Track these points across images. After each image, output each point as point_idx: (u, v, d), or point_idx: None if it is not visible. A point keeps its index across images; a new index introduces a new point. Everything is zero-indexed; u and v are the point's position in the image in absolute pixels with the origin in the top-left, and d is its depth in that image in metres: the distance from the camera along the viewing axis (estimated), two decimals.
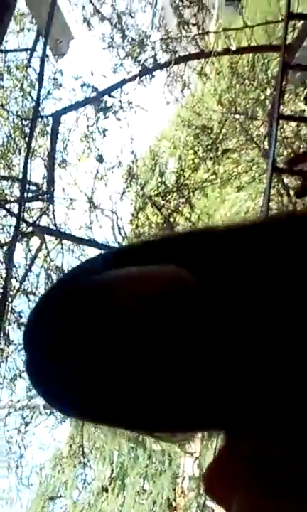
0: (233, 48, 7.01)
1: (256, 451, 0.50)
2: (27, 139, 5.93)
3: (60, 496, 9.84)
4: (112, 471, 9.74)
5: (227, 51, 6.93)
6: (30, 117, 6.11)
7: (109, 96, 6.80)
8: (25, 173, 5.54)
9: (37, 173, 6.43)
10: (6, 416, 8.26)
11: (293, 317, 0.50)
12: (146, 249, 0.60)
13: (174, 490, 9.58)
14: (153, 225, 7.22)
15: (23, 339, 0.59)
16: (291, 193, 8.18)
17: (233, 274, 0.53)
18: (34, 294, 6.19)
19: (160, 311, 0.51)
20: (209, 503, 8.65)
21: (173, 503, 9.70)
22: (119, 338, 0.52)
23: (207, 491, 0.53)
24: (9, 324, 5.91)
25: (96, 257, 0.65)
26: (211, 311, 0.52)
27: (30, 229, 6.13)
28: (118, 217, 7.58)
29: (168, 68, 7.19)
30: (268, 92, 8.08)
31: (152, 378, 0.52)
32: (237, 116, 8.25)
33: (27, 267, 6.22)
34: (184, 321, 0.51)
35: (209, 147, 8.10)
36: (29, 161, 5.74)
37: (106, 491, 9.56)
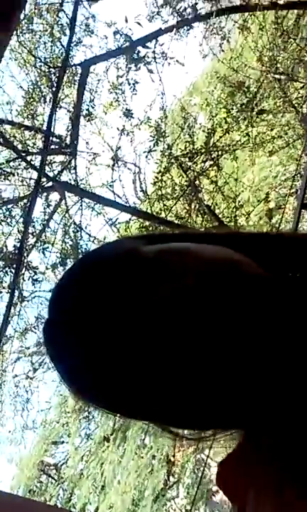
0: (281, 1, 6.48)
1: (275, 451, 0.49)
2: (54, 89, 5.61)
3: (63, 442, 10.13)
4: (115, 422, 9.93)
5: (274, 5, 6.41)
6: (59, 65, 5.77)
7: (143, 46, 6.39)
8: (49, 125, 5.29)
9: (61, 124, 6.16)
10: (15, 361, 8.42)
11: None
12: (190, 238, 0.58)
13: (173, 446, 9.78)
14: (177, 187, 6.96)
15: (60, 304, 0.55)
16: None
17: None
18: (50, 250, 6.07)
19: (229, 294, 0.49)
20: (208, 460, 8.82)
21: (172, 459, 9.92)
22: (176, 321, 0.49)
23: (220, 486, 0.53)
24: (23, 280, 5.82)
25: (134, 237, 0.63)
26: (282, 308, 0.50)
27: (50, 183, 5.92)
28: (142, 175, 7.32)
29: (209, 20, 6.70)
30: None
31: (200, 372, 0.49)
32: (277, 75, 7.77)
33: (44, 223, 6.06)
34: (253, 313, 0.49)
35: (243, 106, 7.68)
36: (55, 112, 5.48)
37: (108, 440, 9.79)
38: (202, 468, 9.44)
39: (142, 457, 9.62)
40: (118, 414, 0.59)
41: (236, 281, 0.50)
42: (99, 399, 0.56)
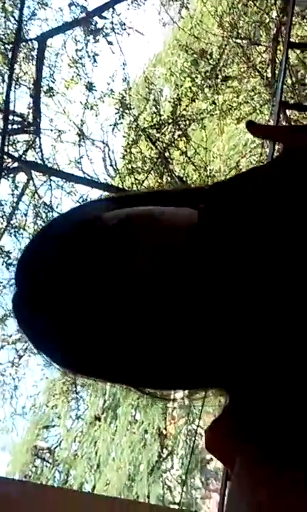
0: None
1: (257, 415, 0.48)
2: (10, 65, 5.42)
3: (54, 425, 10.16)
4: (104, 401, 9.98)
5: None
6: (13, 41, 5.58)
7: (100, 17, 6.21)
8: (7, 102, 5.14)
9: (22, 102, 5.96)
10: None
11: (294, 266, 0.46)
12: (158, 197, 0.58)
13: (164, 419, 9.88)
14: (147, 160, 6.86)
15: (23, 274, 0.54)
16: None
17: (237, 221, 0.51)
18: (22, 233, 5.95)
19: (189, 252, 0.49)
20: (199, 430, 8.94)
21: (164, 431, 10.04)
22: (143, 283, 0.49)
23: (209, 449, 0.52)
24: None
25: (99, 200, 0.63)
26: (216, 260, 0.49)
27: (15, 164, 5.77)
28: (110, 150, 7.19)
29: None
30: (274, 14, 7.44)
31: (164, 330, 0.49)
32: (239, 40, 7.65)
33: (14, 205, 5.93)
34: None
35: (208, 74, 7.57)
36: (12, 89, 5.32)
37: (99, 420, 9.85)
38: (193, 439, 9.58)
39: (134, 432, 9.71)
40: (95, 378, 0.59)
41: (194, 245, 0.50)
42: (78, 366, 0.56)
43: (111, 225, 0.52)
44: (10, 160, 5.63)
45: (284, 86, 7.25)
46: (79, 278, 0.50)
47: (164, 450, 10.07)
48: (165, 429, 10.06)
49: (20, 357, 8.45)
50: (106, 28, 6.39)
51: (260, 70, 7.70)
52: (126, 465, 9.71)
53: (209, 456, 9.66)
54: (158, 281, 0.49)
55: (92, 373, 0.57)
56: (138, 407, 10.00)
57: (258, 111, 8.16)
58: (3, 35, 5.57)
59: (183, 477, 9.93)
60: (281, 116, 5.98)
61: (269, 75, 7.72)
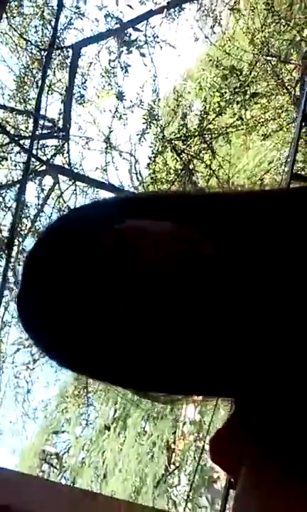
0: None
1: (265, 424, 0.47)
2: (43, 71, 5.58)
3: (64, 431, 10.14)
4: (115, 411, 9.95)
5: None
6: (48, 47, 5.74)
7: (134, 29, 6.35)
8: (37, 106, 5.27)
9: (54, 108, 6.11)
10: (15, 352, 8.42)
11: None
12: (159, 205, 0.57)
13: (174, 433, 9.80)
14: (172, 171, 6.94)
15: (23, 289, 0.55)
16: None
17: (251, 243, 0.51)
18: None
19: (183, 271, 0.49)
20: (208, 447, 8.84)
21: (172, 446, 9.95)
22: (136, 296, 0.49)
23: (214, 460, 0.51)
24: (19, 264, 5.80)
25: (101, 203, 0.63)
26: (231, 278, 0.49)
27: (43, 167, 5.90)
28: (136, 161, 7.29)
29: (199, 1, 6.66)
30: (306, 33, 7.52)
31: (167, 339, 0.49)
32: (269, 58, 7.74)
33: (39, 207, 6.04)
34: (204, 284, 0.49)
35: (237, 90, 7.65)
36: (43, 94, 5.45)
37: (108, 429, 9.81)
38: (202, 456, 9.46)
39: (142, 444, 9.64)
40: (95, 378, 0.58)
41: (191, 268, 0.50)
42: (83, 367, 0.56)
43: (107, 245, 0.52)
44: (38, 163, 5.76)
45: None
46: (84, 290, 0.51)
47: (171, 465, 9.97)
48: (174, 443, 9.97)
49: (34, 360, 8.48)
50: (140, 41, 6.53)
51: (288, 87, 7.76)
52: (132, 477, 9.63)
53: (216, 474, 9.53)
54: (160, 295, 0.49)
55: (101, 374, 0.57)
56: (149, 418, 9.94)
57: (285, 128, 8.20)
58: (41, 42, 5.74)
59: (190, 494, 9.79)
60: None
61: (298, 93, 7.77)
